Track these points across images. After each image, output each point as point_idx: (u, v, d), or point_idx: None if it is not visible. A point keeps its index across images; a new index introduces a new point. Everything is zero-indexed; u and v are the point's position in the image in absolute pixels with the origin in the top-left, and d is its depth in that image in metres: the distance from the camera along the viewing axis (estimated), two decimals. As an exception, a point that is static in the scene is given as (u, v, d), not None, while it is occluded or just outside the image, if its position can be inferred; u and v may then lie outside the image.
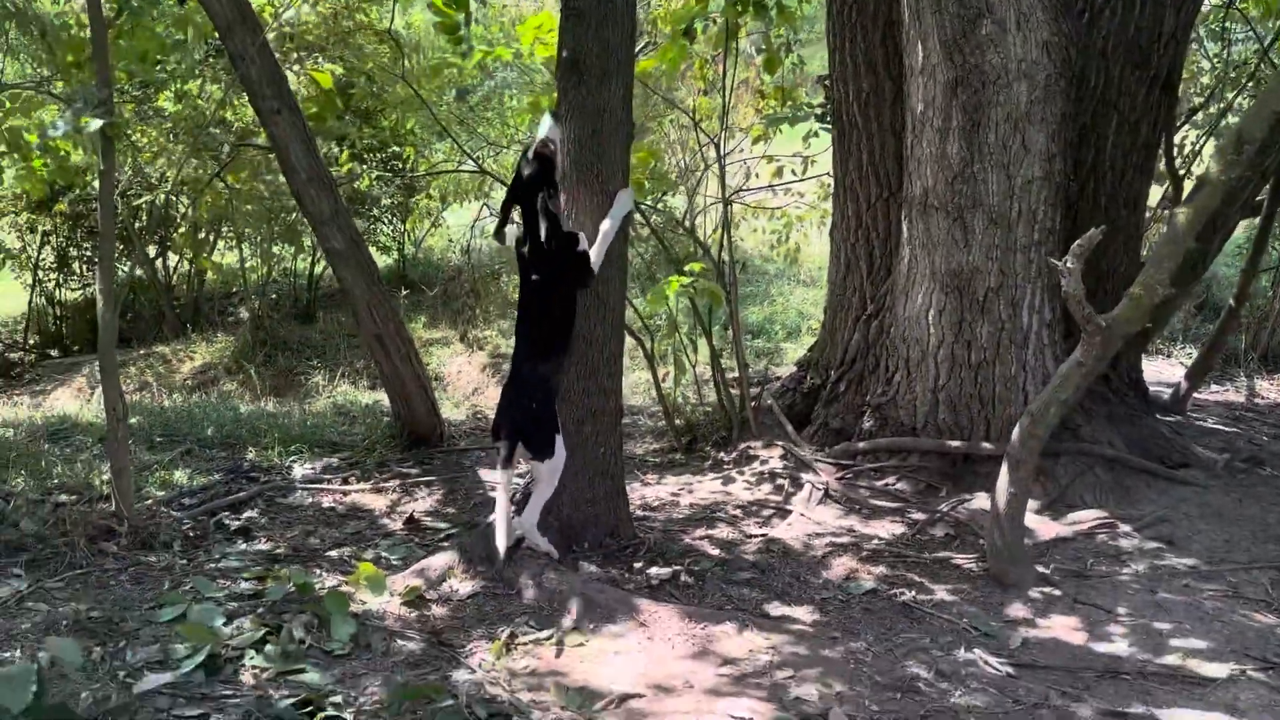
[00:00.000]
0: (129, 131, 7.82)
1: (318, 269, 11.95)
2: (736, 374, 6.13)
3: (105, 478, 5.63)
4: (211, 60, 7.18)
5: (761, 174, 6.93)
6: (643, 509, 5.07)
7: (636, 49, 6.88)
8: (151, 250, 12.94)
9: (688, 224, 6.12)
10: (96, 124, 4.17)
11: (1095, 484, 4.84)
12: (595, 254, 3.94)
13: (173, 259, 13.42)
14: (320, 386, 10.14)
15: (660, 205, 6.10)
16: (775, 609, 3.87)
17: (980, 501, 4.81)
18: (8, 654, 3.33)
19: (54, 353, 13.74)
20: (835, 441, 5.47)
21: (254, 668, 3.32)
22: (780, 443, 5.63)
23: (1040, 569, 4.17)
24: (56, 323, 14.20)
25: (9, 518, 4.41)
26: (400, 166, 10.30)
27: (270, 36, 5.74)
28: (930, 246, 4.88)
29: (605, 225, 3.95)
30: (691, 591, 4.01)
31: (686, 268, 5.53)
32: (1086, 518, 4.67)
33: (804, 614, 3.83)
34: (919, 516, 4.79)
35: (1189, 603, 3.87)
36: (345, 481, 5.63)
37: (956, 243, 4.78)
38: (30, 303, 13.57)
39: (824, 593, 4.04)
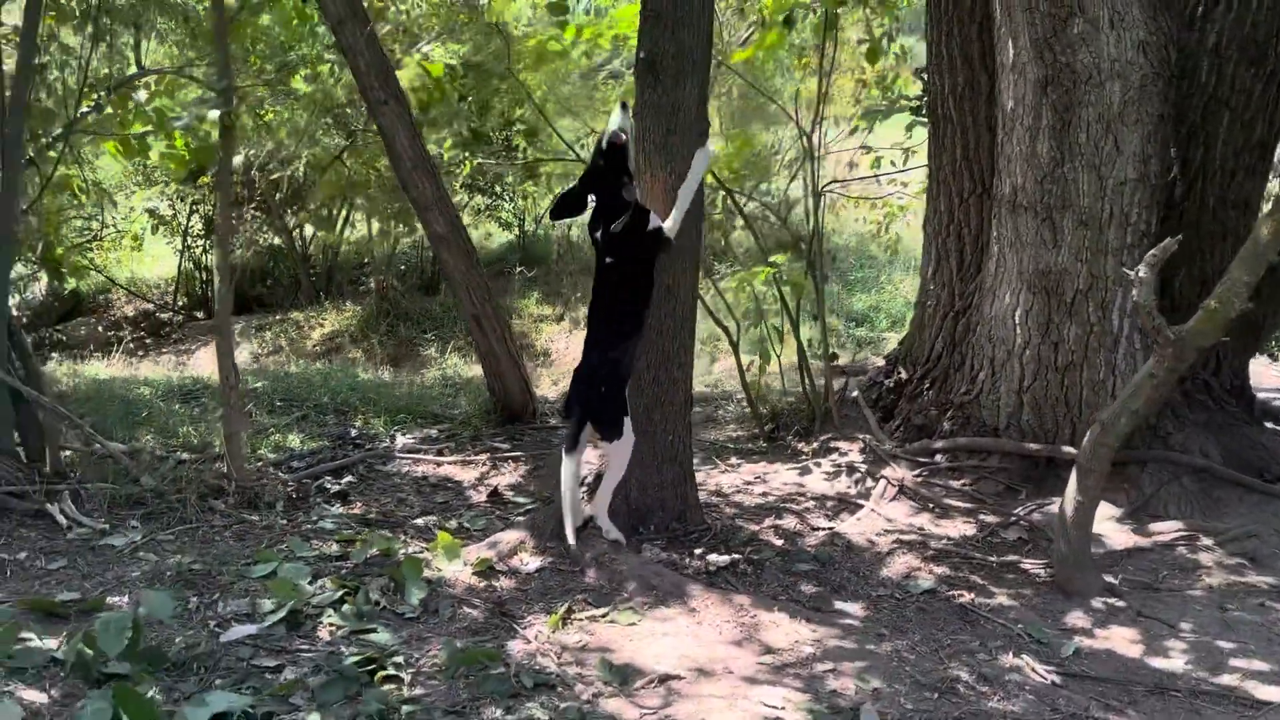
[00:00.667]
0: (262, 111, 8.30)
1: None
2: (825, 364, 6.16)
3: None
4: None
5: (861, 164, 6.89)
6: (715, 495, 5.19)
7: (742, 38, 6.97)
8: (290, 220, 13.60)
9: (782, 214, 6.16)
10: (214, 114, 4.52)
11: (1181, 494, 4.71)
12: (672, 220, 4.00)
13: (309, 229, 14.06)
14: (433, 359, 10.59)
15: (756, 194, 6.15)
16: (827, 602, 3.94)
17: (1054, 508, 4.75)
18: (118, 599, 3.70)
19: (199, 315, 14.67)
20: (917, 438, 5.45)
21: (330, 625, 3.61)
22: (861, 436, 5.65)
23: (1108, 578, 4.11)
24: (203, 287, 15.14)
25: (131, 473, 4.84)
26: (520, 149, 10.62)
27: (386, 29, 6.00)
28: (1019, 246, 4.81)
29: (682, 190, 4.02)
30: (748, 580, 4.11)
31: (773, 258, 5.60)
32: (1167, 529, 4.56)
33: (856, 609, 3.89)
34: (992, 519, 4.77)
35: (1260, 623, 3.77)
36: (440, 453, 5.93)
37: (1045, 243, 4.70)
38: (179, 267, 14.51)
39: (880, 590, 4.09)
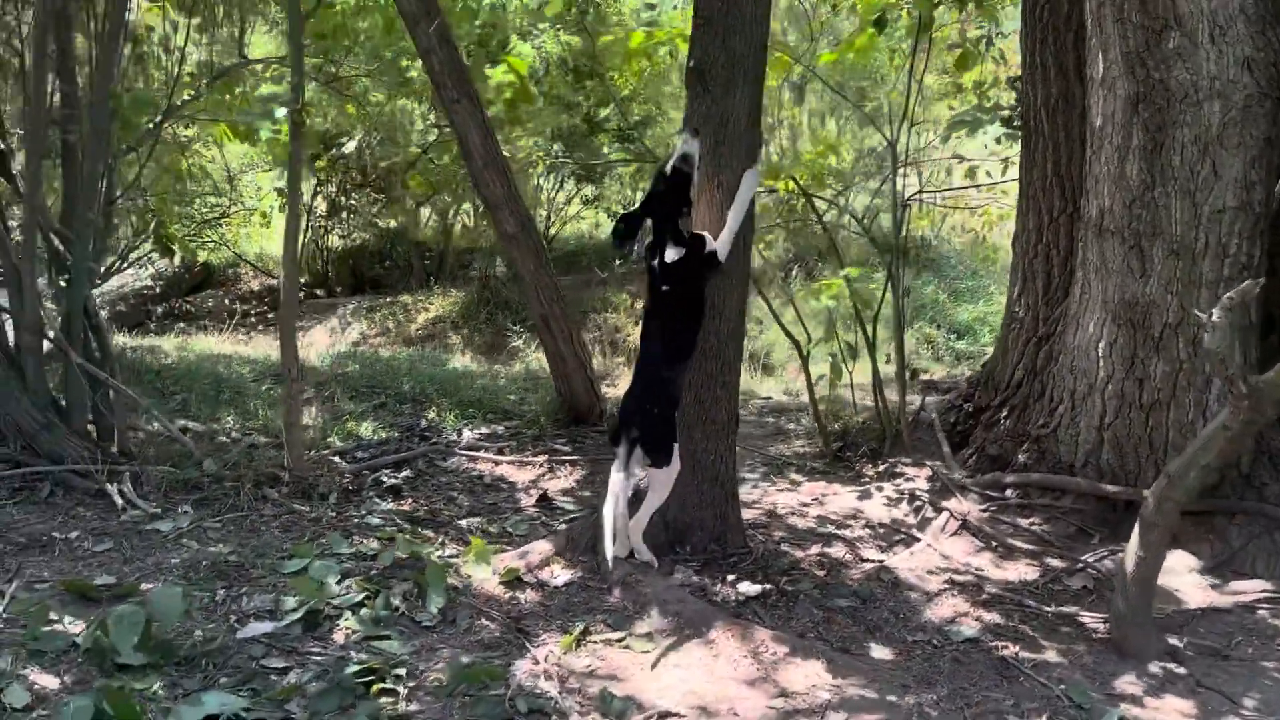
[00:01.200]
0: (365, 103, 8.46)
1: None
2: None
3: (307, 423, 6.25)
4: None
5: (956, 173, 6.56)
6: (767, 515, 5.03)
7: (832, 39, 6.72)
8: (409, 204, 13.86)
9: (867, 223, 5.90)
10: (282, 111, 4.59)
11: (1272, 551, 4.31)
12: (722, 242, 3.92)
13: (424, 213, 14.31)
14: (520, 351, 10.65)
15: (838, 202, 5.92)
16: (859, 644, 3.75)
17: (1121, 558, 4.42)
18: (151, 585, 3.81)
19: (319, 292, 15.19)
20: (990, 469, 5.16)
21: (346, 628, 3.62)
22: (930, 463, 5.39)
23: (1172, 640, 3.79)
24: (324, 266, 15.67)
25: (194, 457, 4.99)
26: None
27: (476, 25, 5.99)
28: (1104, 273, 4.47)
29: (731, 212, 3.91)
30: (779, 612, 3.95)
31: (843, 271, 5.38)
32: (1251, 588, 4.18)
33: (886, 653, 3.69)
34: (1058, 563, 4.46)
35: (1340, 709, 3.40)
36: (500, 451, 5.93)
37: (1132, 271, 4.36)
38: (301, 246, 15.04)
39: (919, 634, 3.87)
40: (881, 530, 4.88)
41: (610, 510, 4.04)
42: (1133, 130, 4.14)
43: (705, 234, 3.93)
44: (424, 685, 3.27)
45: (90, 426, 4.97)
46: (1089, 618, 4.01)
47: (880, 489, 5.34)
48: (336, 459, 5.64)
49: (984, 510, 4.89)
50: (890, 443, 5.69)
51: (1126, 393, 4.55)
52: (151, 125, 5.77)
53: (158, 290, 15.52)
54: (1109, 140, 4.26)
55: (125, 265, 13.75)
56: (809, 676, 3.44)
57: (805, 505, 5.22)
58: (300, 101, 4.65)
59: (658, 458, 3.90)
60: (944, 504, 4.96)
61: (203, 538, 4.33)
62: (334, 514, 4.81)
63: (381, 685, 3.20)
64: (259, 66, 7.60)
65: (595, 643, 3.64)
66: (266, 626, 3.57)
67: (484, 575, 4.13)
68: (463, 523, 4.86)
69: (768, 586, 4.08)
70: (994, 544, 4.64)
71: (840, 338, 5.68)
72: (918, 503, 5.09)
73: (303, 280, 15.55)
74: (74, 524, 4.29)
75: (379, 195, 13.98)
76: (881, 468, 5.56)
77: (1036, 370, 5.10)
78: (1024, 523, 4.76)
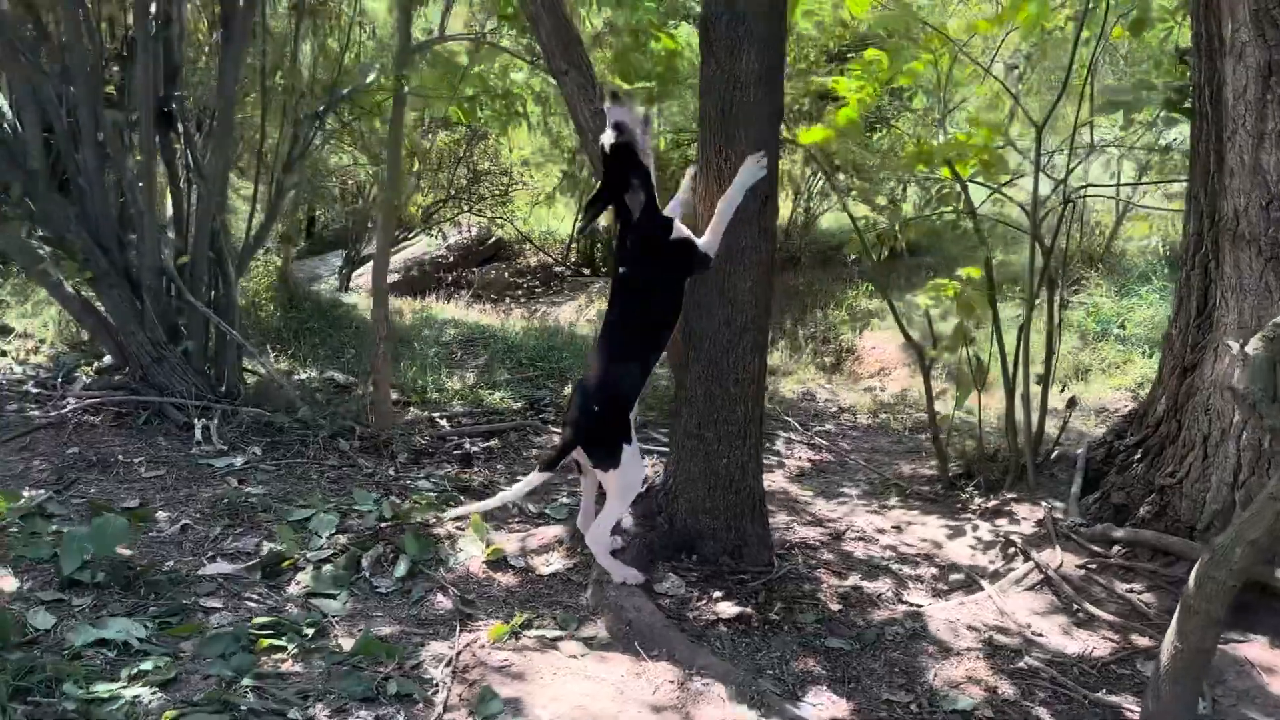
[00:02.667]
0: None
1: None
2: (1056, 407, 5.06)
3: (446, 385, 6.47)
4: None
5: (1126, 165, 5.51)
6: (830, 535, 4.52)
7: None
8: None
9: (1037, 219, 5.07)
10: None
11: None
12: (709, 236, 3.55)
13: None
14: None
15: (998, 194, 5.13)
16: (818, 695, 3.24)
17: (1253, 649, 3.50)
18: (167, 513, 4.06)
19: (586, 271, 15.76)
20: (1114, 518, 4.30)
21: (299, 582, 3.67)
22: (1049, 504, 4.58)
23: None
24: (591, 246, 16.25)
25: (292, 402, 5.29)
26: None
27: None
28: (1239, 291, 3.54)
29: (721, 203, 3.52)
30: (749, 642, 3.50)
31: (961, 271, 4.70)
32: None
33: (843, 710, 3.16)
34: (1143, 642, 3.62)
35: None
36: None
37: (1270, 291, 3.42)
38: (573, 225, 15.76)
39: (901, 694, 3.28)
40: (951, 574, 4.21)
41: (580, 514, 3.84)
42: (1267, 109, 3.22)
43: (676, 219, 3.57)
44: (325, 649, 3.23)
45: (210, 366, 5.40)
46: (1132, 709, 3.21)
47: (975, 527, 4.62)
48: (441, 421, 5.77)
49: (1082, 566, 4.08)
50: (1014, 476, 4.91)
51: (1265, 443, 3.59)
52: (326, 107, 6.14)
53: (450, 259, 16.73)
54: (1241, 124, 3.34)
55: (411, 237, 15.06)
56: (726, 719, 3.02)
57: (880, 532, 4.63)
58: (404, 68, 4.73)
59: (599, 458, 3.58)
60: (1035, 553, 4.19)
61: (249, 478, 4.56)
62: (392, 473, 4.90)
63: (273, 642, 3.18)
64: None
65: (529, 638, 3.42)
66: (227, 568, 3.69)
67: (475, 552, 4.03)
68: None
69: (747, 610, 3.64)
70: (1074, 607, 3.85)
71: (967, 349, 4.95)
72: (1011, 549, 4.34)
73: (571, 259, 16.29)
74: (145, 450, 4.68)
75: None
76: (992, 503, 4.81)
77: (1177, 406, 4.17)
78: (1121, 587, 3.91)
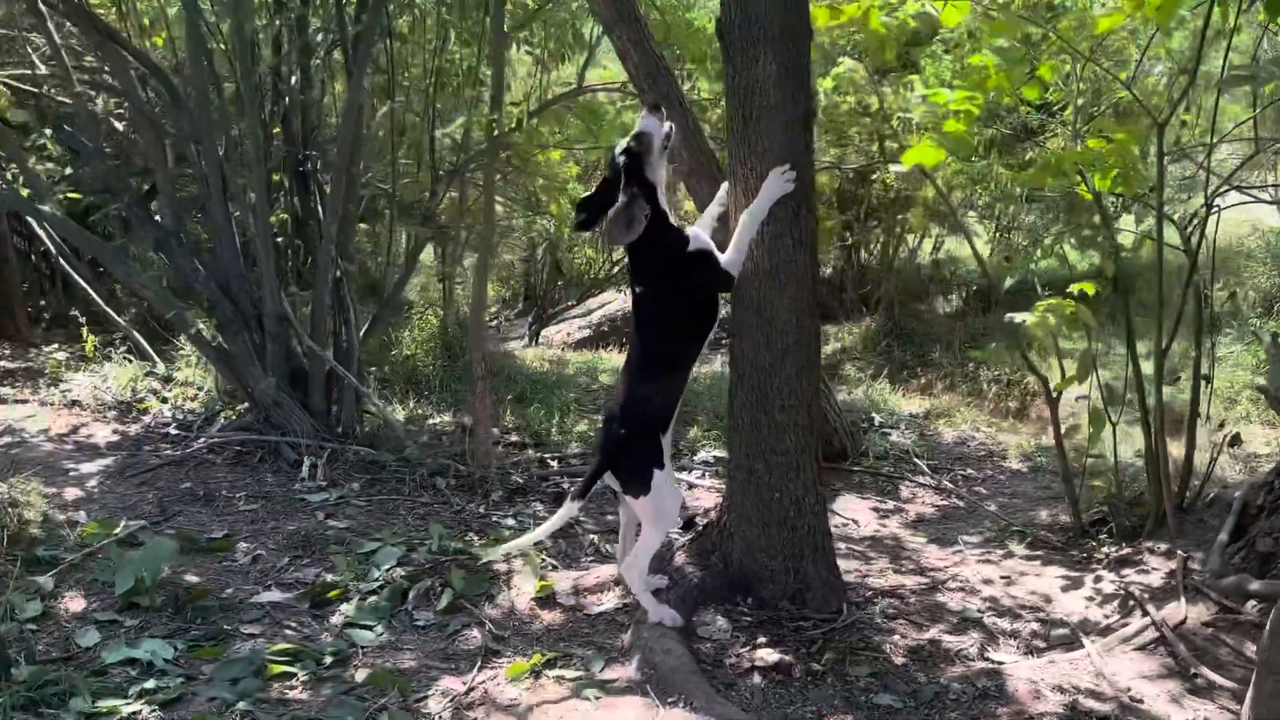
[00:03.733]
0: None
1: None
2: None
3: (574, 429, 6.48)
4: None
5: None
6: (926, 584, 4.09)
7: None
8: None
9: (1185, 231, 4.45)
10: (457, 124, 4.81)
11: None
12: (732, 253, 3.35)
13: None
14: (908, 383, 9.75)
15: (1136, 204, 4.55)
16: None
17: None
18: (248, 544, 4.21)
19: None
20: (1257, 570, 3.65)
21: (343, 612, 3.68)
22: (1188, 553, 3.94)
23: None
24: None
25: (402, 441, 5.41)
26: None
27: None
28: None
29: (744, 218, 3.32)
30: (786, 693, 3.18)
31: (1073, 286, 4.21)
32: None
33: (867, 774, 2.79)
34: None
35: None
36: (703, 475, 5.56)
37: None
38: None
39: (946, 760, 2.87)
40: (1053, 628, 3.69)
41: (619, 548, 3.66)
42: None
43: (694, 232, 3.37)
44: (338, 678, 3.20)
45: (329, 407, 5.63)
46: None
47: (1097, 578, 4.04)
48: (552, 462, 5.74)
49: (1208, 623, 3.47)
50: (1154, 522, 4.27)
51: None
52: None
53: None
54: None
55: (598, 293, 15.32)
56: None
57: (986, 583, 4.14)
58: (500, 112, 4.83)
59: (628, 483, 3.39)
60: (1155, 607, 3.61)
61: (338, 512, 4.67)
62: (481, 510, 4.89)
63: (285, 669, 3.19)
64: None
65: (549, 677, 3.26)
66: (278, 596, 3.76)
67: (527, 588, 3.93)
68: (592, 536, 4.65)
69: (787, 659, 3.31)
70: (1191, 671, 3.26)
71: (1099, 376, 4.39)
72: (1131, 602, 3.76)
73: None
74: (250, 485, 4.90)
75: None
76: (1123, 551, 4.20)
77: (1333, 437, 3.49)
78: (1251, 649, 3.28)
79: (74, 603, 3.60)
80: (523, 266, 14.14)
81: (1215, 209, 4.33)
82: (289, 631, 3.52)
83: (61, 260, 6.44)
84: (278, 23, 5.71)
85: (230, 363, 5.41)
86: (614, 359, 10.55)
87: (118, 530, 4.16)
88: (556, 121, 7.99)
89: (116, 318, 6.63)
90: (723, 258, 3.35)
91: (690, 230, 3.42)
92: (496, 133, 5.03)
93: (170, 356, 6.73)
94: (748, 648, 3.42)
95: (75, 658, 3.21)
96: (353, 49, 5.50)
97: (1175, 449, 4.43)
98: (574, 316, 14.10)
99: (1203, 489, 4.32)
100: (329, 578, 3.92)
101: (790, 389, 3.50)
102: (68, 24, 5.33)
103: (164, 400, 6.22)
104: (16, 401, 6.20)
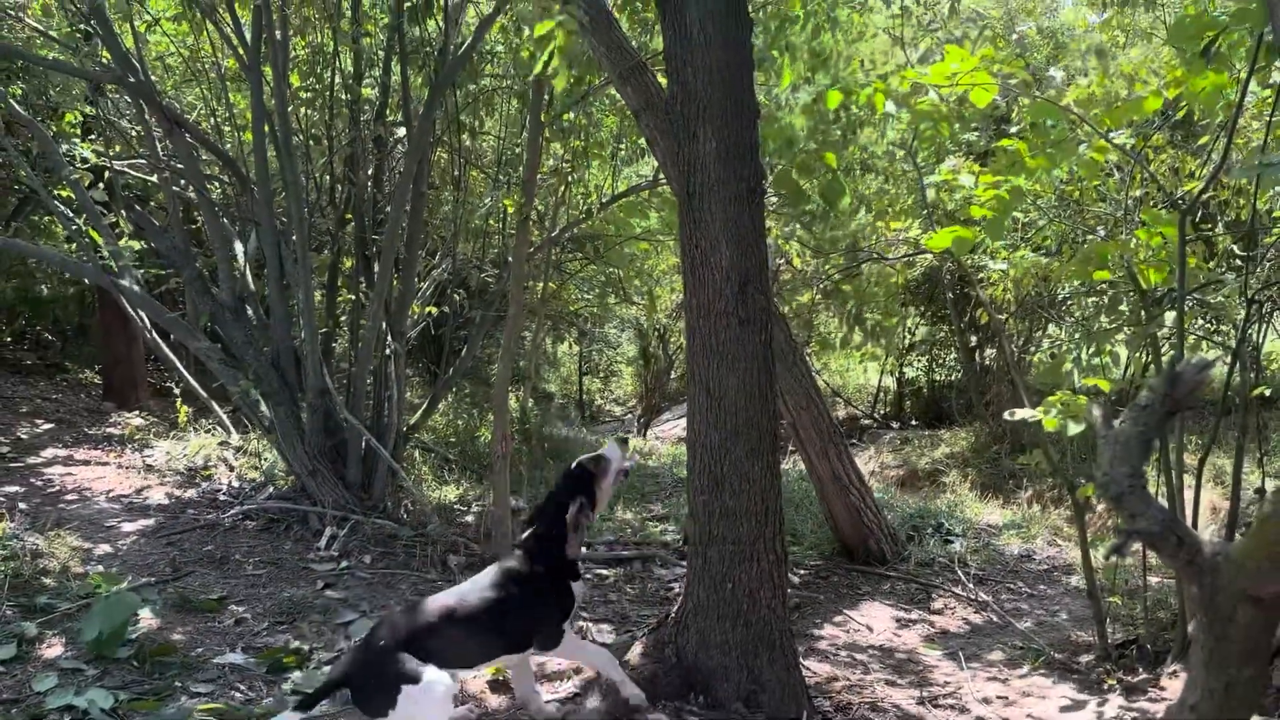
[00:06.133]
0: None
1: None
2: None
3: (617, 515, 6.43)
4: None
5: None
6: (916, 700, 3.78)
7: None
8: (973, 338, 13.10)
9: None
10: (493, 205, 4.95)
11: None
12: (570, 641, 3.31)
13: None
14: (1014, 494, 9.17)
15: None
16: None
17: None
18: (240, 608, 4.30)
19: (894, 424, 15.11)
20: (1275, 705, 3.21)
21: (293, 679, 3.69)
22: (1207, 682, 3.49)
23: None
24: (899, 400, 15.67)
25: (426, 517, 5.46)
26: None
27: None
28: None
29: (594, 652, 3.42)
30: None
31: (1084, 380, 3.91)
32: None
33: None
34: None
35: None
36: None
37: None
38: (879, 380, 15.45)
39: None
40: (1033, 754, 3.33)
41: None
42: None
43: (579, 588, 3.33)
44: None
45: (364, 480, 5.76)
46: None
47: (1103, 702, 3.63)
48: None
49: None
50: (1180, 646, 3.83)
51: None
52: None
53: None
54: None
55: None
56: None
57: (985, 702, 3.79)
58: (531, 200, 4.96)
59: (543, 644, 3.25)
60: (1153, 741, 3.21)
61: (339, 582, 4.73)
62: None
63: (212, 724, 3.21)
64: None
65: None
66: (239, 658, 3.81)
67: (481, 671, 3.84)
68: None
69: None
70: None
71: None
72: (1134, 732, 3.36)
73: (881, 412, 15.77)
74: (266, 552, 5.03)
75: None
76: (1139, 678, 3.76)
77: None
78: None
79: (52, 649, 3.75)
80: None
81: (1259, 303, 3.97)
82: (236, 694, 3.54)
83: (152, 334, 6.91)
84: (349, 112, 6.06)
85: (271, 432, 5.63)
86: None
87: (122, 585, 4.33)
88: (640, 213, 8.13)
89: (199, 389, 7.03)
90: (562, 632, 3.24)
91: (578, 586, 3.31)
92: (524, 215, 5.13)
93: (248, 427, 7.07)
94: (684, 747, 3.23)
95: (24, 700, 3.33)
96: (408, 137, 5.77)
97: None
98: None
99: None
100: (295, 644, 3.95)
101: (741, 472, 3.36)
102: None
103: (231, 468, 6.51)
104: (99, 464, 6.63)
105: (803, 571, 5.35)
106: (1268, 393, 3.94)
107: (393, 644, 2.88)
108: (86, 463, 6.59)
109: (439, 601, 3.11)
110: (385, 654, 2.86)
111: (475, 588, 3.19)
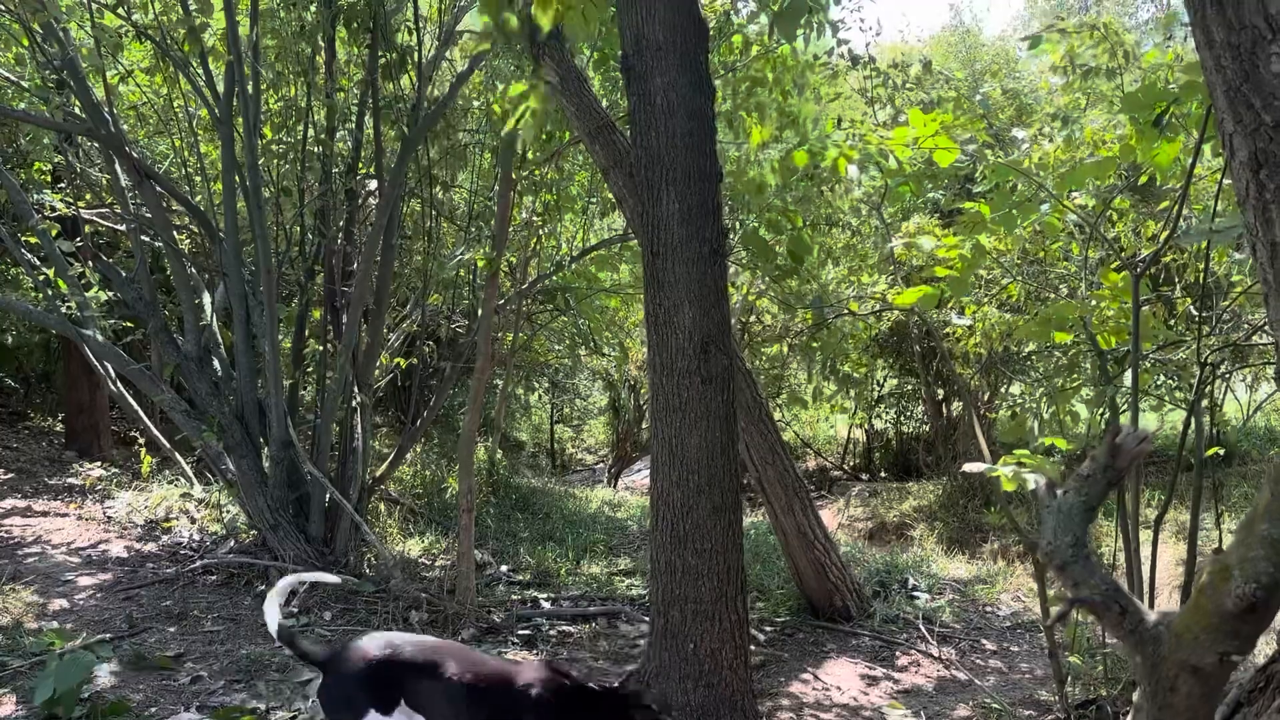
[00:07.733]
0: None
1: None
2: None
3: (585, 570, 6.40)
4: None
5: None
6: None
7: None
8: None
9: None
10: (464, 258, 4.98)
11: None
12: None
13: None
14: (980, 548, 9.23)
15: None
16: None
17: None
18: (194, 668, 4.24)
19: (864, 476, 15.17)
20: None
21: (248, 736, 3.64)
22: (1168, 743, 3.50)
23: None
24: (868, 452, 15.74)
25: (389, 572, 5.41)
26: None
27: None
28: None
29: None
30: None
31: (1043, 439, 3.95)
32: None
33: None
34: None
35: None
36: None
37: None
38: (849, 432, 15.49)
39: None
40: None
41: None
42: (1273, 216, 2.45)
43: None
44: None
45: (327, 535, 5.70)
46: None
47: (1064, 766, 3.63)
48: (545, 603, 5.64)
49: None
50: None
51: None
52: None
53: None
54: (1254, 230, 2.57)
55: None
56: None
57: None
58: (501, 252, 4.99)
59: None
60: (1112, 804, 3.20)
61: (298, 639, 4.65)
62: (445, 646, 4.79)
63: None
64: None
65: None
66: (194, 717, 3.74)
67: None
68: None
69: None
70: None
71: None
72: (1091, 795, 3.35)
73: (850, 464, 15.82)
74: (225, 608, 4.96)
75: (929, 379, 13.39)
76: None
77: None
78: None
79: (3, 708, 3.67)
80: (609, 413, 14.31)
81: (1212, 365, 4.05)
82: (187, 755, 3.48)
83: (116, 384, 6.84)
84: (320, 165, 6.08)
85: (234, 485, 5.57)
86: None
87: (77, 641, 4.25)
88: (610, 266, 8.20)
89: (162, 439, 6.97)
90: None
91: None
92: (494, 270, 5.16)
93: (210, 479, 6.99)
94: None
95: (-32, 761, 3.25)
96: (379, 191, 5.80)
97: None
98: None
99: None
100: (252, 704, 3.88)
101: (703, 531, 3.37)
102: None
103: (193, 521, 6.43)
104: (58, 514, 6.52)
105: (768, 629, 5.33)
106: (1222, 452, 4.00)
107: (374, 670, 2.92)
108: (45, 514, 6.48)
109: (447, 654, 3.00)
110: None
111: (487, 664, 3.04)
